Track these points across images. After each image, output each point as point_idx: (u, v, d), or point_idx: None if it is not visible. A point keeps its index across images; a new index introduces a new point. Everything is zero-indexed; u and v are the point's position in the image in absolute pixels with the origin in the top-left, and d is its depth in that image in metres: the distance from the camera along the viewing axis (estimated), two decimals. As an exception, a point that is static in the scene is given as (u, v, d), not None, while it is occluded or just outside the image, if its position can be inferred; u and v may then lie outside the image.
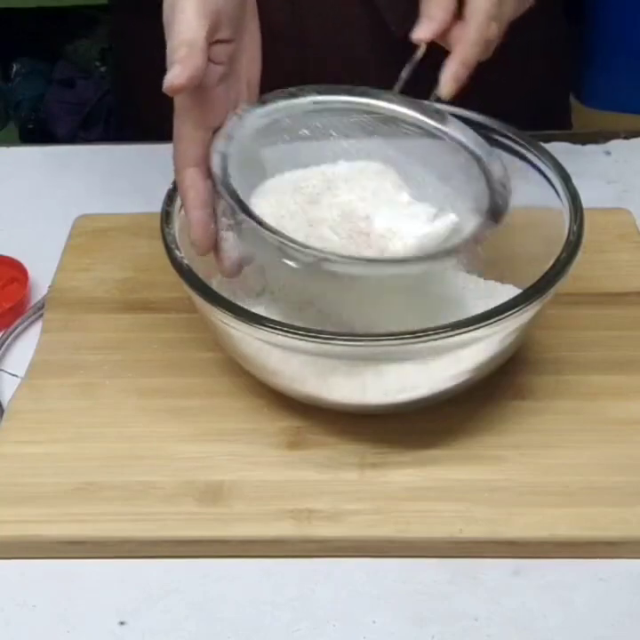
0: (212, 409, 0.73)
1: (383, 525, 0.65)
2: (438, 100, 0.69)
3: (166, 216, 0.71)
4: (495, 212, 0.65)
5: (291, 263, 0.62)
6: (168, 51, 0.63)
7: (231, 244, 0.68)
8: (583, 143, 0.97)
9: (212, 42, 0.65)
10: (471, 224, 0.65)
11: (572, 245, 0.68)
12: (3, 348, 0.79)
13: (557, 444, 0.69)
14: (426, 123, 0.69)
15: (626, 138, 0.98)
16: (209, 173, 0.66)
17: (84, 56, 2.22)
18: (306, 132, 0.70)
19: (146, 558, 0.66)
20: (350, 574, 0.65)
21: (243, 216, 0.64)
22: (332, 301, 0.72)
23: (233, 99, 0.69)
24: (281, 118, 0.70)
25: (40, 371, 0.76)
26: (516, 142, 0.73)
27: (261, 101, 0.70)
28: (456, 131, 0.69)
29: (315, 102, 0.70)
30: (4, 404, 0.74)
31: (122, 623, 0.63)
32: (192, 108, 0.64)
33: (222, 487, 0.68)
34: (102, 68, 2.20)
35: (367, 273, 0.63)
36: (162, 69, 0.64)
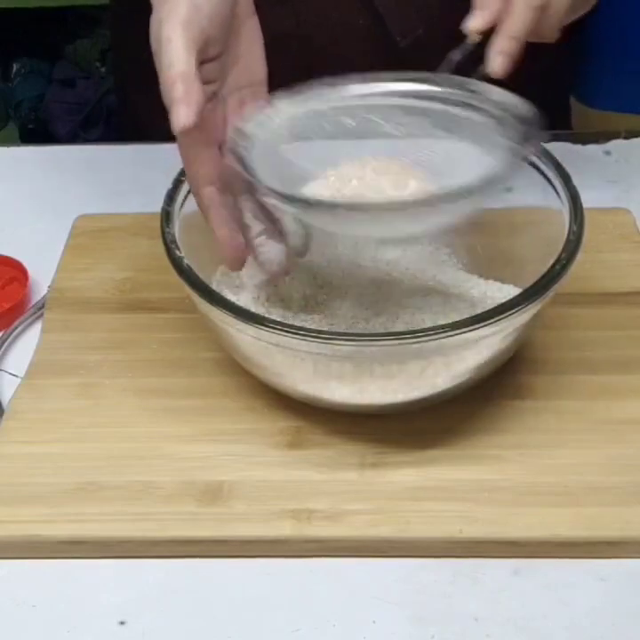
0: (212, 409, 0.73)
1: (383, 525, 0.65)
2: (485, 77, 0.67)
3: (166, 216, 0.71)
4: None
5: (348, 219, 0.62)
6: (161, 84, 0.63)
7: (270, 245, 0.68)
8: (583, 143, 0.97)
9: (200, 63, 0.64)
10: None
11: (572, 245, 0.68)
12: (3, 348, 0.79)
13: (557, 444, 0.69)
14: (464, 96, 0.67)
15: (626, 138, 0.98)
16: (226, 189, 0.66)
17: (84, 56, 2.23)
18: (348, 119, 0.69)
19: (146, 558, 0.66)
20: (350, 574, 0.65)
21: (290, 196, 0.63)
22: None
23: (235, 107, 0.68)
24: (320, 107, 0.69)
25: (40, 371, 0.76)
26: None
27: (295, 92, 0.69)
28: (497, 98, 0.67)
29: (353, 91, 0.70)
30: (4, 404, 0.74)
31: (122, 623, 0.63)
32: (192, 130, 0.64)
33: (222, 487, 0.67)
34: (102, 68, 2.20)
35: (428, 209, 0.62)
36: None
